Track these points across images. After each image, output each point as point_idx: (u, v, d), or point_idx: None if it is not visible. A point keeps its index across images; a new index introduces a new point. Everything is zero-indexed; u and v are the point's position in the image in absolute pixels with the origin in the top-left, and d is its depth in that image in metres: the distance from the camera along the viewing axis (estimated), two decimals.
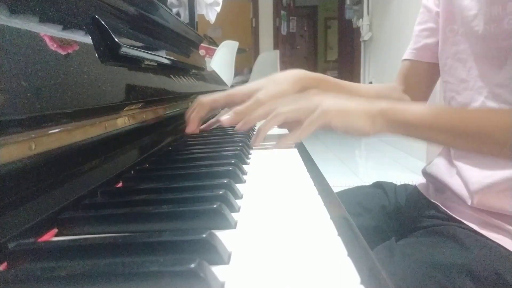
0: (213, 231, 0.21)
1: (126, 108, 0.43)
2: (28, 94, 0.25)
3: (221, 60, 2.94)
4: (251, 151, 0.51)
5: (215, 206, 0.25)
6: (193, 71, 0.83)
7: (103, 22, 0.40)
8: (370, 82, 4.25)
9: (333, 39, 7.68)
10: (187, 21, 1.65)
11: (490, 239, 0.51)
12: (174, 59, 0.65)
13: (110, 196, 0.32)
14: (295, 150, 0.50)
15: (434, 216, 0.62)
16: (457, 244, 0.52)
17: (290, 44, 7.14)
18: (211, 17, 1.97)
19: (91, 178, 0.33)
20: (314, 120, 0.48)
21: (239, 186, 0.33)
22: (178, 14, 1.80)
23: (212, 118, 0.71)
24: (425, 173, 0.70)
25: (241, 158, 0.44)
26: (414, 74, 0.74)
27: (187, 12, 1.72)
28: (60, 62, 0.31)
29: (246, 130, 0.56)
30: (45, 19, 0.32)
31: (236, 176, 0.36)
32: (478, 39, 0.57)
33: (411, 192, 0.73)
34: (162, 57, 0.57)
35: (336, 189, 0.44)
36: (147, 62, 0.51)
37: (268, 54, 4.87)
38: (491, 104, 0.56)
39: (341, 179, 2.47)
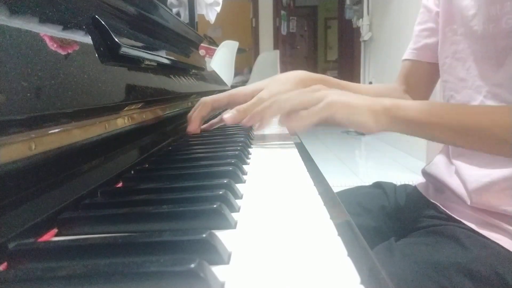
0: (213, 231, 0.21)
1: (126, 108, 0.43)
2: (28, 94, 0.25)
3: (221, 60, 2.94)
4: (251, 151, 0.51)
5: (215, 206, 0.25)
6: (193, 71, 0.83)
7: (103, 22, 0.40)
8: (370, 82, 4.25)
9: (333, 39, 7.68)
10: (187, 21, 1.65)
11: (489, 239, 0.51)
12: (174, 59, 0.65)
13: (110, 196, 0.32)
14: (295, 150, 0.50)
15: (434, 216, 0.62)
16: (457, 244, 0.52)
17: (290, 44, 7.14)
18: (211, 17, 1.97)
19: (91, 178, 0.33)
20: (319, 110, 0.48)
21: (239, 186, 0.33)
22: (178, 14, 1.80)
23: (214, 118, 0.71)
24: (424, 173, 0.70)
25: (241, 158, 0.44)
26: (415, 74, 0.74)
27: (187, 12, 1.72)
28: (60, 62, 0.31)
29: (250, 126, 0.56)
30: (45, 19, 0.32)
31: (236, 176, 0.36)
32: (477, 39, 0.57)
33: (411, 192, 0.73)
34: (162, 57, 0.57)
35: (336, 189, 0.44)
36: (147, 62, 0.51)
37: (268, 54, 4.88)
38: (490, 103, 0.56)
39: (341, 179, 2.47)
